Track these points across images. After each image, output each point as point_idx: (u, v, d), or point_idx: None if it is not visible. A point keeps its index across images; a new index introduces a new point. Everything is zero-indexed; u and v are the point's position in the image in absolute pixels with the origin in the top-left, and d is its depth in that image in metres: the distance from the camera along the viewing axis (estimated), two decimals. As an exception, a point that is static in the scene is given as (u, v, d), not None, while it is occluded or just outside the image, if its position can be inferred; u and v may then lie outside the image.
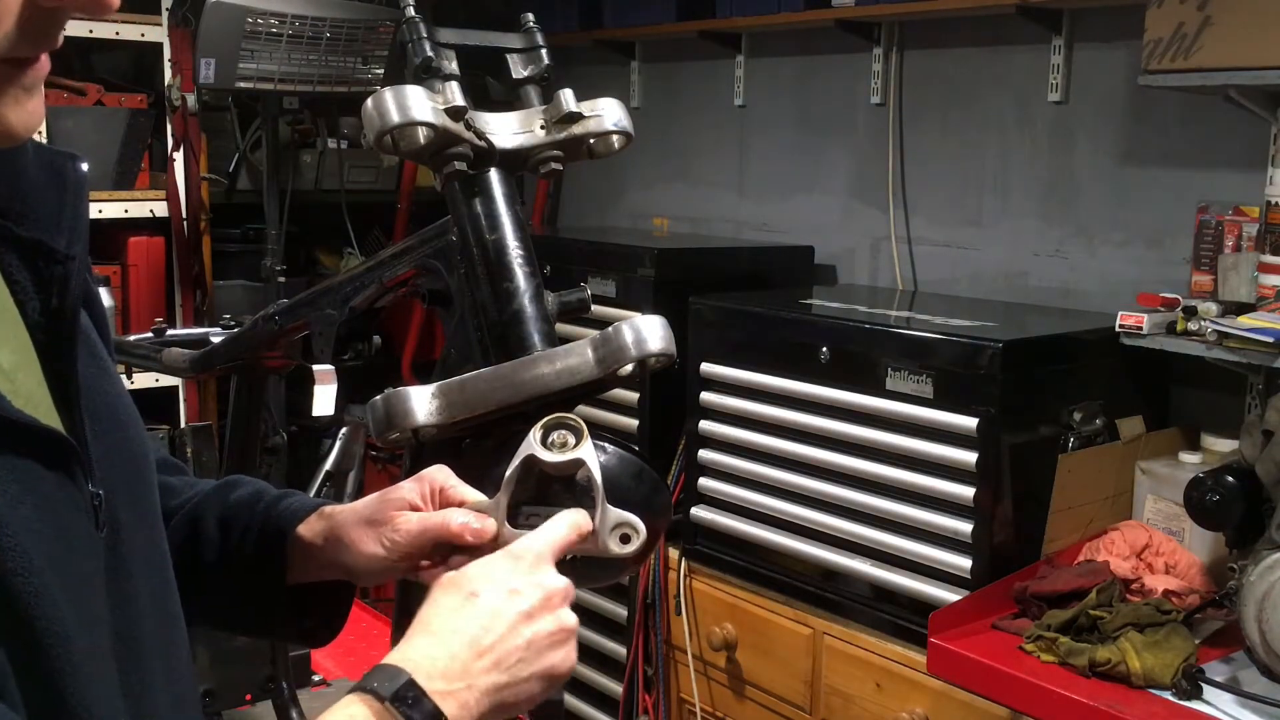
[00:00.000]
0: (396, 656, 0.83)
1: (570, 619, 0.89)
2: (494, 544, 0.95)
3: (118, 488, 0.81)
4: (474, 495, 0.99)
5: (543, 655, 0.86)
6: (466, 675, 0.83)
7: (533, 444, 0.96)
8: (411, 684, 0.80)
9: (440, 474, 1.01)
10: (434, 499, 1.00)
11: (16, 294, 0.78)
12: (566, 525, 0.92)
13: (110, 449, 0.81)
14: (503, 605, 0.86)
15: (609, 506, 0.96)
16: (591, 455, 0.96)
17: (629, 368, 1.07)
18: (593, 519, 0.95)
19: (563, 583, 0.89)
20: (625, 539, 0.96)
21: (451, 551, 0.98)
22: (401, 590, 1.44)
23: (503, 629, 0.85)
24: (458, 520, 0.96)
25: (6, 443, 0.71)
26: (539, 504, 0.97)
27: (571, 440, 0.96)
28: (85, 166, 0.84)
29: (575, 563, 0.96)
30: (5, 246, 0.78)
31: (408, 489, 1.01)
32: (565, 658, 0.88)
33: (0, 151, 0.77)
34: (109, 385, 0.86)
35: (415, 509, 0.99)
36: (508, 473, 0.96)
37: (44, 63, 0.72)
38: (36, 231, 0.78)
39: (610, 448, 1.01)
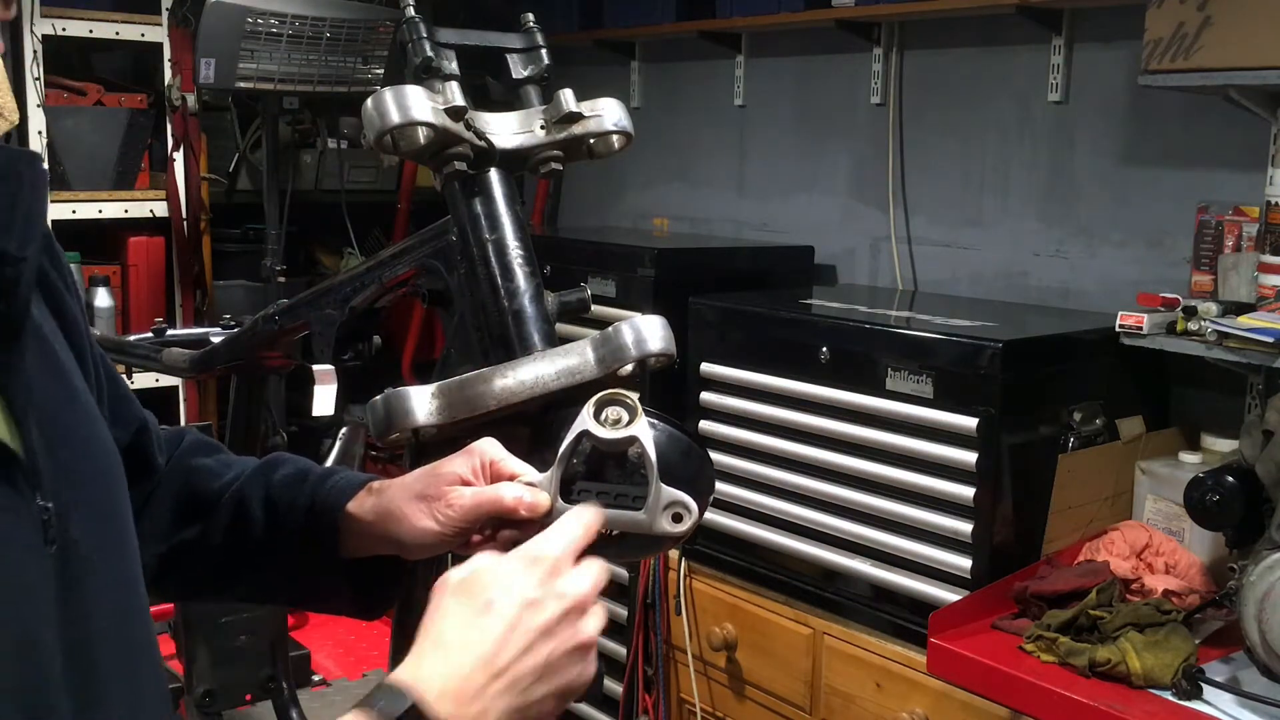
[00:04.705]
0: (406, 673, 0.80)
1: (589, 630, 0.86)
2: (547, 518, 0.94)
3: (73, 503, 0.77)
4: (525, 469, 0.99)
5: (559, 673, 0.83)
6: (480, 698, 0.80)
7: (587, 420, 0.95)
8: (415, 711, 0.77)
9: (491, 448, 1.00)
10: (485, 473, 0.99)
11: None
12: (581, 525, 0.90)
13: (65, 463, 0.78)
14: (520, 618, 0.82)
15: (662, 485, 0.95)
16: (646, 433, 0.95)
17: (629, 367, 1.07)
18: (645, 497, 0.95)
19: (583, 588, 0.86)
20: (678, 518, 0.96)
21: (502, 525, 0.98)
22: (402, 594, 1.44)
23: (520, 646, 0.82)
24: (511, 494, 0.95)
25: None
26: (591, 480, 0.97)
27: (625, 417, 0.96)
28: (45, 165, 0.81)
29: (623, 538, 0.96)
30: None
31: (459, 463, 1.00)
32: (582, 672, 0.85)
33: None
34: (68, 396, 0.83)
35: (466, 483, 0.98)
36: (561, 448, 0.96)
37: None
38: None
39: (660, 424, 1.00)
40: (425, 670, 0.80)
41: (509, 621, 0.82)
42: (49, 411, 0.78)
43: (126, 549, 0.86)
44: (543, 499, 0.95)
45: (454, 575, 0.85)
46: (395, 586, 1.11)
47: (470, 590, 0.84)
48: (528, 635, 0.82)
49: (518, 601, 0.83)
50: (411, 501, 1.00)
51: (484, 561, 0.86)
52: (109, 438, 0.87)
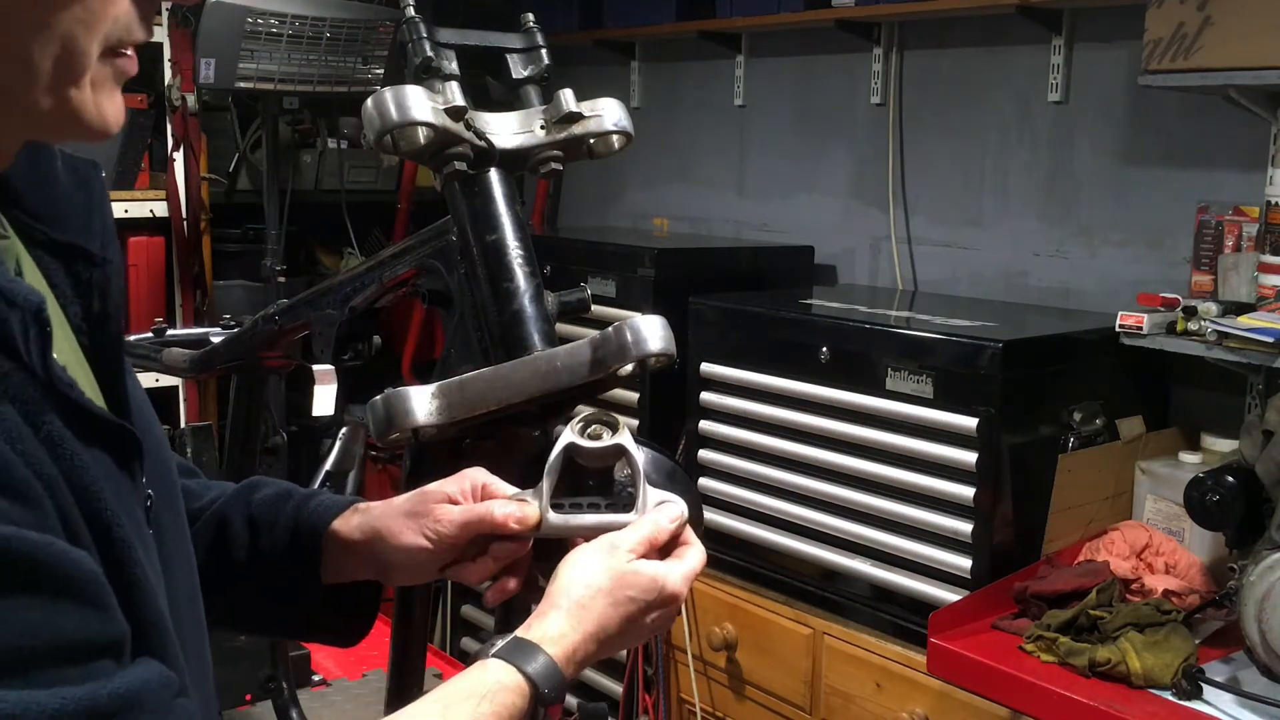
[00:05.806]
0: (539, 633, 0.90)
1: (674, 612, 0.96)
2: (537, 532, 0.97)
3: (157, 489, 0.81)
4: (514, 491, 1.01)
5: (641, 635, 0.95)
6: (585, 659, 0.91)
7: (571, 434, 0.98)
8: (551, 663, 0.88)
9: (479, 474, 1.02)
10: (474, 495, 1.01)
11: (58, 299, 0.78)
12: (667, 522, 0.97)
13: (149, 450, 0.81)
14: (637, 621, 0.93)
15: (650, 487, 0.98)
16: (631, 442, 0.98)
17: (629, 368, 1.07)
18: (635, 500, 0.97)
19: (682, 594, 0.95)
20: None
21: (490, 543, 0.99)
22: (401, 594, 1.44)
23: (630, 636, 0.93)
24: (501, 510, 0.97)
25: (95, 438, 0.71)
26: (580, 493, 0.99)
27: (608, 434, 0.98)
28: (104, 174, 0.84)
29: None
30: (44, 251, 0.78)
31: (447, 484, 1.02)
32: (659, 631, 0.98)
33: (34, 158, 0.77)
34: (137, 387, 0.86)
35: (454, 503, 1.00)
36: (548, 462, 0.98)
37: (134, 57, 0.72)
38: (72, 236, 0.79)
39: (646, 449, 1.02)
40: (554, 630, 0.89)
41: (627, 615, 0.92)
42: (133, 402, 0.81)
43: (187, 533, 0.90)
44: (532, 512, 0.97)
45: (598, 562, 0.93)
46: (373, 612, 1.12)
47: (615, 584, 0.92)
48: (638, 630, 0.94)
49: (644, 616, 0.94)
50: (400, 519, 1.01)
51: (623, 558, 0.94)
52: (161, 427, 0.90)
